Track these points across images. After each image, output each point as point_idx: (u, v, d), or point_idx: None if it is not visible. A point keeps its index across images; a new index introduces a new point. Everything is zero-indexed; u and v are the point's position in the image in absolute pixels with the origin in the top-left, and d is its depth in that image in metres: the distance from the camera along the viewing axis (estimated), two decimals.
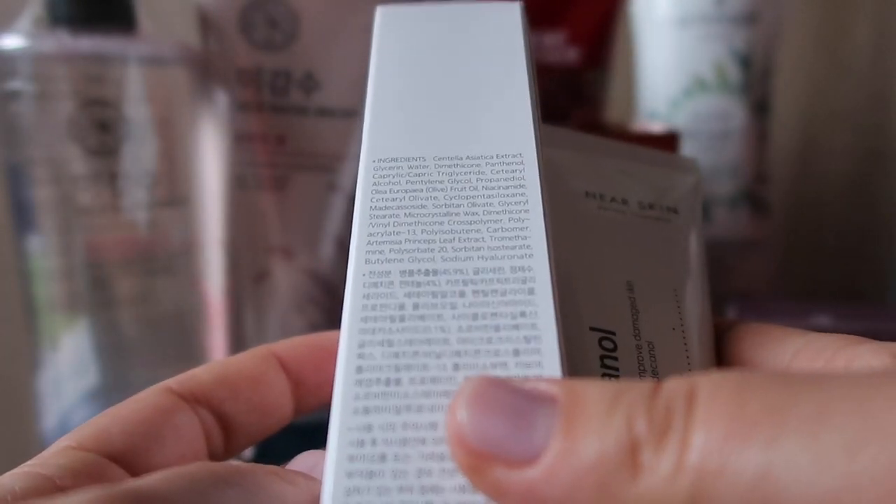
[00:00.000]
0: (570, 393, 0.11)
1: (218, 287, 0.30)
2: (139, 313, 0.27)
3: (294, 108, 0.28)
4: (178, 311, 0.28)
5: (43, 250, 0.26)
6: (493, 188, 0.15)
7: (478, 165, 0.15)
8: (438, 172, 0.15)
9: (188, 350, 0.29)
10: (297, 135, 0.28)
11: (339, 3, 0.27)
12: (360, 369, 0.12)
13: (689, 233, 0.20)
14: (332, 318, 0.29)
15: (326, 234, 0.28)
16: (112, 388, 0.27)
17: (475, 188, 0.15)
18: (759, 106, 0.39)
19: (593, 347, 0.16)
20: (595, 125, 0.35)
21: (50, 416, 0.27)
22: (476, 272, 0.13)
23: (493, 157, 0.15)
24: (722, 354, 0.18)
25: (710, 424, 0.10)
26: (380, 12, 0.19)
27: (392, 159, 0.15)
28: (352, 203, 0.28)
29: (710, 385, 0.11)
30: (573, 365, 0.15)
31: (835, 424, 0.10)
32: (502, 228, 0.14)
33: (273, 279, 0.29)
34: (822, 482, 0.09)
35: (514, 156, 0.15)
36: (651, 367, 0.16)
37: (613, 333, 0.16)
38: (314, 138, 0.28)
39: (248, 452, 0.30)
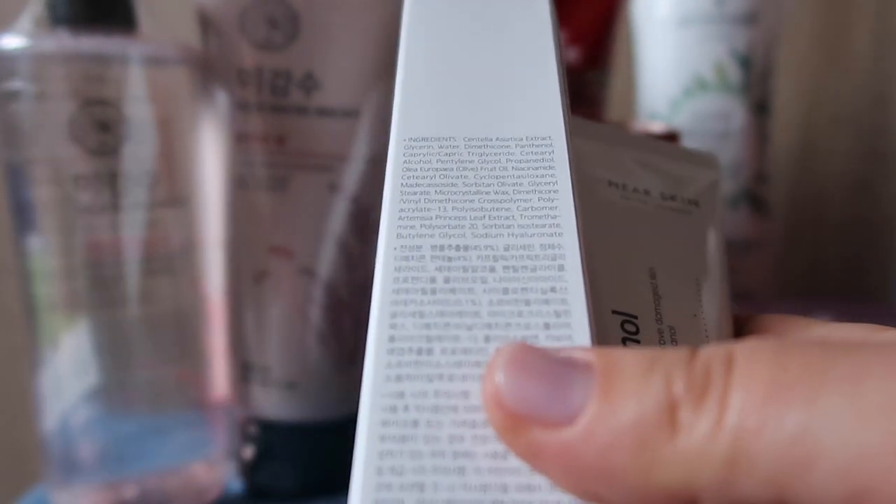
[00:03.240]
0: (606, 359, 0.11)
1: (218, 287, 0.30)
2: (139, 313, 0.27)
3: (294, 108, 0.28)
4: (178, 311, 0.28)
5: (43, 250, 0.26)
6: (523, 168, 0.15)
7: (507, 147, 0.15)
8: (469, 153, 0.15)
9: (188, 350, 0.29)
10: (297, 135, 0.28)
11: (339, 3, 0.27)
12: (392, 338, 0.13)
13: (710, 226, 0.20)
14: (332, 318, 0.29)
15: (326, 234, 0.28)
16: (112, 388, 0.27)
17: (505, 168, 0.15)
18: (760, 106, 0.39)
19: (615, 330, 0.16)
20: None
21: (50, 416, 0.27)
22: (506, 248, 0.14)
23: (522, 139, 0.15)
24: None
25: (748, 385, 0.10)
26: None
27: (423, 139, 0.16)
28: (353, 204, 0.28)
29: (748, 350, 0.11)
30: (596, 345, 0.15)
31: (874, 384, 0.10)
32: (532, 207, 0.14)
33: (273, 279, 0.29)
34: (862, 440, 0.09)
35: (543, 138, 0.15)
36: None
37: (636, 317, 0.17)
38: (314, 138, 0.28)
39: (248, 452, 0.30)
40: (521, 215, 0.14)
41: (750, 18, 0.38)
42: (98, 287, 0.26)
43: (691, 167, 0.21)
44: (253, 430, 0.30)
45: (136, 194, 0.26)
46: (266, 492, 0.30)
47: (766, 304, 0.34)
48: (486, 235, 0.14)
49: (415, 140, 0.15)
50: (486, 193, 0.14)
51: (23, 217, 0.26)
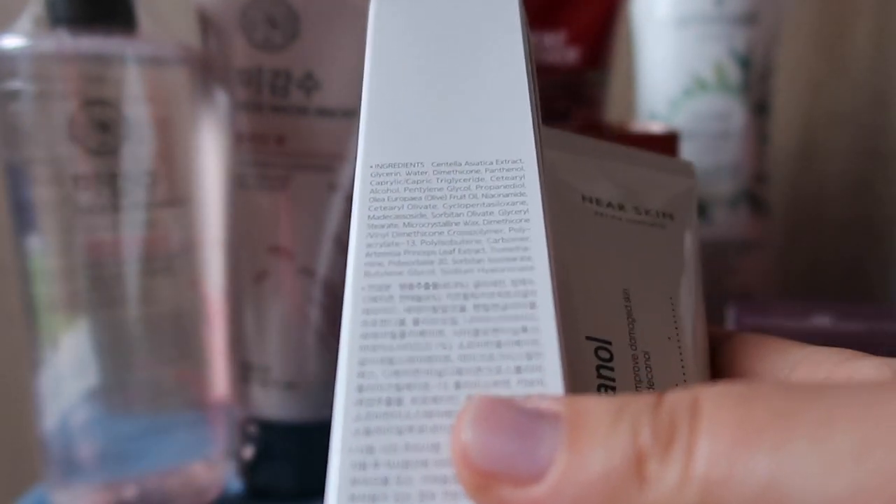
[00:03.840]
0: (572, 408, 0.11)
1: (218, 287, 0.30)
2: (139, 313, 0.27)
3: (294, 108, 0.28)
4: (177, 311, 0.28)
5: (43, 250, 0.26)
6: (493, 196, 0.14)
7: (477, 172, 0.15)
8: (437, 179, 0.15)
9: (188, 350, 0.29)
10: (297, 135, 0.28)
11: (339, 3, 0.27)
12: (361, 388, 0.12)
13: (685, 239, 0.19)
14: (332, 318, 0.29)
15: (326, 234, 0.28)
16: (112, 388, 0.27)
17: (475, 196, 0.14)
18: (759, 106, 0.39)
19: (589, 357, 0.16)
20: (595, 125, 0.35)
21: (50, 416, 0.27)
22: (476, 285, 0.13)
23: (492, 163, 0.15)
24: (719, 365, 0.18)
25: (715, 432, 0.10)
26: (374, 2, 0.18)
27: (390, 165, 0.15)
28: (350, 203, 0.28)
29: (714, 395, 0.11)
30: (571, 372, 0.15)
31: (842, 430, 0.10)
32: (503, 239, 0.14)
33: (273, 279, 0.29)
34: (831, 486, 0.09)
35: (513, 161, 0.15)
36: (647, 378, 0.16)
37: (609, 343, 0.16)
38: (314, 138, 0.28)
39: (248, 452, 0.30)
40: (492, 248, 0.14)
41: (749, 18, 0.38)
42: (98, 287, 0.26)
43: (666, 176, 0.21)
44: (253, 430, 0.30)
45: (136, 194, 0.26)
46: (266, 492, 0.30)
47: (765, 304, 0.34)
48: (456, 271, 0.13)
49: (381, 167, 0.15)
50: (456, 224, 0.14)
51: (23, 217, 0.26)
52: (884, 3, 0.46)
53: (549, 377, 0.12)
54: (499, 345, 0.13)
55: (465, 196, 0.14)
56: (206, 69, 0.28)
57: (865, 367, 0.14)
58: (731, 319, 0.32)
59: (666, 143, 0.32)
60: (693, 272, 0.19)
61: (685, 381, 0.17)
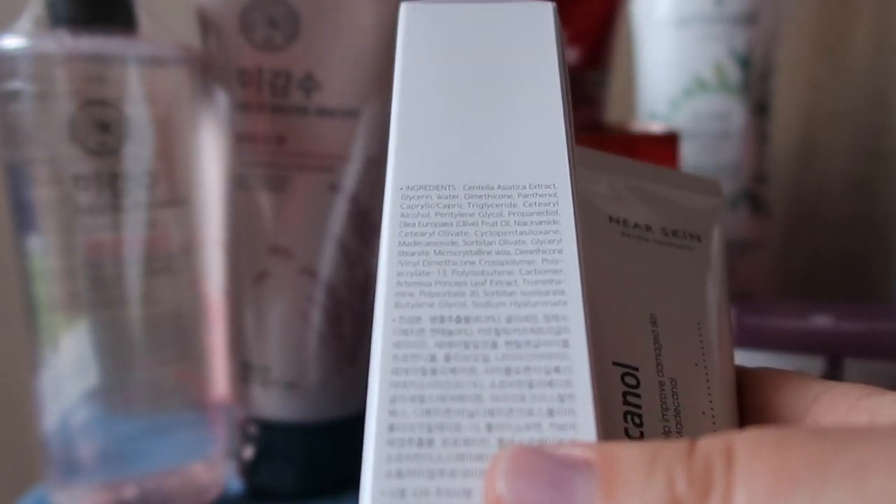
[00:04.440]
0: (605, 456, 0.11)
1: (218, 287, 0.30)
2: (139, 313, 0.27)
3: (294, 108, 0.28)
4: (177, 311, 0.28)
5: (43, 250, 0.26)
6: (526, 223, 0.14)
7: (510, 197, 0.15)
8: (469, 204, 0.14)
9: (188, 350, 0.29)
10: (297, 135, 0.28)
11: (339, 3, 0.27)
12: (392, 427, 0.12)
13: (712, 261, 0.19)
14: (332, 319, 0.29)
15: (326, 234, 0.28)
16: (112, 388, 0.27)
17: (507, 223, 0.14)
18: (759, 106, 0.39)
19: (616, 383, 0.16)
20: (595, 125, 0.35)
21: (50, 416, 0.27)
22: (508, 320, 0.13)
23: (525, 188, 0.15)
24: (739, 399, 0.17)
25: (750, 481, 0.10)
26: (405, 9, 0.18)
27: (420, 187, 0.15)
28: (352, 204, 0.29)
29: (748, 442, 0.11)
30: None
31: (877, 478, 0.10)
32: (535, 270, 0.14)
33: (273, 279, 0.29)
34: None
35: (546, 186, 0.15)
36: (674, 405, 0.16)
37: (636, 369, 0.16)
38: (314, 138, 0.28)
39: (248, 452, 0.30)
40: (524, 280, 0.13)
41: (749, 18, 0.38)
42: (98, 287, 0.26)
43: (693, 196, 0.20)
44: (253, 430, 0.30)
45: (136, 194, 0.26)
46: (266, 492, 0.30)
47: (765, 304, 0.34)
48: (487, 304, 0.13)
49: (412, 189, 0.15)
50: (488, 254, 0.14)
51: (23, 217, 0.26)
52: (884, 3, 0.46)
53: (581, 421, 0.12)
54: (531, 385, 0.12)
55: (496, 223, 0.14)
56: (206, 69, 0.28)
57: (888, 405, 0.14)
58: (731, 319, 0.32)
59: (666, 144, 0.32)
60: (720, 296, 0.19)
61: (712, 409, 0.16)
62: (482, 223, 0.14)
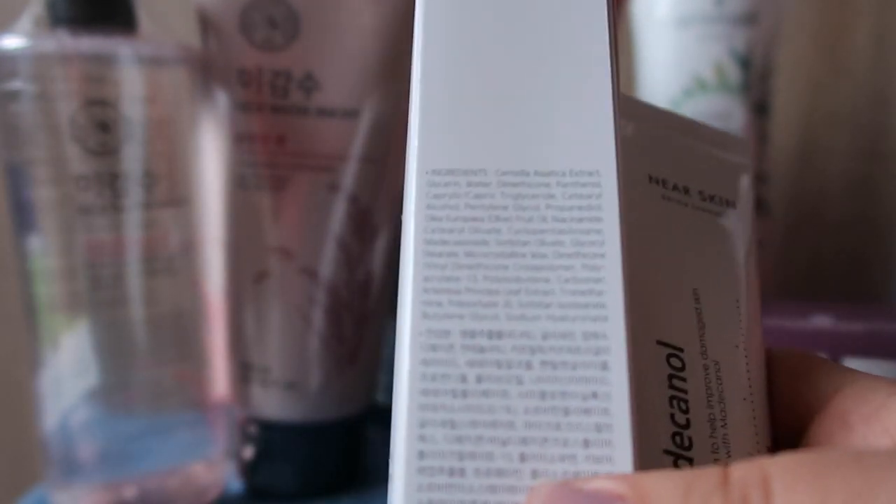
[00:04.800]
0: (638, 489, 0.11)
1: (218, 287, 0.30)
2: (139, 313, 0.27)
3: (294, 108, 0.28)
4: (178, 311, 0.28)
5: (43, 250, 0.26)
6: (565, 220, 0.13)
7: (547, 186, 0.13)
8: (502, 194, 0.13)
9: (188, 350, 0.29)
10: (297, 135, 0.28)
11: (339, 3, 0.27)
12: (422, 455, 0.12)
13: (746, 233, 0.18)
14: (332, 319, 0.29)
15: (326, 235, 0.28)
16: (112, 388, 0.27)
17: (544, 219, 0.13)
18: (759, 106, 0.39)
19: (661, 365, 0.15)
20: None
21: (50, 416, 0.27)
22: (544, 337, 0.12)
23: (565, 174, 0.13)
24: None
25: None
26: None
27: (448, 171, 0.13)
28: (352, 204, 0.29)
29: (784, 472, 0.10)
30: (641, 380, 0.14)
31: None
32: (574, 278, 0.12)
33: (273, 279, 0.29)
34: None
35: (589, 174, 0.13)
36: (718, 392, 0.15)
37: (682, 350, 0.15)
38: (314, 138, 0.28)
39: (248, 452, 0.30)
40: (562, 289, 0.12)
41: (749, 18, 0.38)
42: (98, 287, 0.26)
43: (726, 155, 0.19)
44: (253, 430, 0.30)
45: (136, 194, 0.26)
46: (266, 492, 0.30)
47: (765, 304, 0.34)
48: (521, 318, 0.12)
49: (439, 174, 0.13)
50: (522, 256, 0.12)
51: (23, 217, 0.26)
52: (884, 3, 0.46)
53: (618, 454, 0.11)
54: (566, 412, 0.12)
55: (532, 218, 0.13)
56: (206, 69, 0.28)
57: None
58: None
59: None
60: (754, 270, 0.17)
61: (752, 395, 0.16)
62: (517, 218, 0.13)
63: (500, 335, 0.12)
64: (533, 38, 0.14)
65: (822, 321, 0.30)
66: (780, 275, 0.45)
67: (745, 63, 0.38)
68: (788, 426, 0.16)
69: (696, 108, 0.39)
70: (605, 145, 0.13)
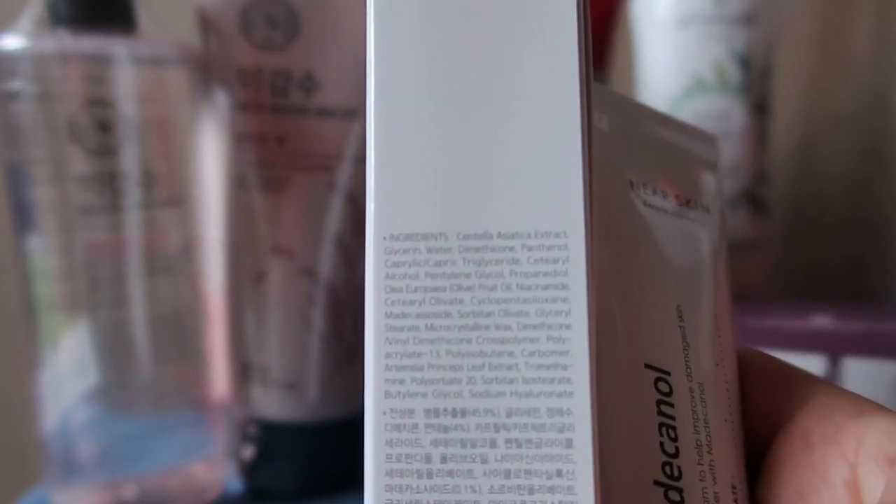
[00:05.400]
0: None
1: (218, 287, 0.30)
2: (139, 313, 0.27)
3: (294, 108, 0.28)
4: (177, 311, 0.28)
5: (43, 250, 0.26)
6: (530, 287, 0.12)
7: (512, 249, 0.12)
8: (464, 261, 0.12)
9: (188, 350, 0.29)
10: (297, 135, 0.28)
11: (339, 3, 0.27)
12: None
13: (720, 237, 0.17)
14: (332, 319, 0.29)
15: (326, 235, 0.28)
16: (112, 388, 0.27)
17: (508, 287, 0.12)
18: (759, 106, 0.39)
19: (650, 391, 0.14)
20: None
21: (50, 416, 0.27)
22: (509, 414, 0.12)
23: (530, 236, 0.12)
24: None
25: None
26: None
27: (407, 236, 0.13)
28: (352, 204, 0.28)
29: None
30: (630, 407, 0.14)
31: None
32: (539, 352, 0.12)
33: (273, 279, 0.29)
34: None
35: (556, 235, 0.12)
36: (703, 416, 0.15)
37: (669, 374, 0.14)
38: (314, 138, 0.28)
39: (248, 452, 0.30)
40: (526, 364, 0.12)
41: (749, 18, 0.38)
42: (98, 287, 0.26)
43: (698, 150, 0.18)
44: (253, 430, 0.30)
45: (136, 194, 0.26)
46: (266, 492, 0.30)
47: (765, 304, 0.34)
48: (486, 394, 0.12)
49: (397, 239, 0.13)
50: (486, 328, 0.12)
51: (23, 217, 0.26)
52: (884, 3, 0.46)
53: None
54: (531, 490, 0.12)
55: (496, 287, 0.12)
56: (206, 69, 0.28)
57: (875, 433, 0.13)
58: None
59: None
60: (723, 273, 0.17)
61: (731, 416, 0.15)
62: (480, 287, 0.12)
63: (464, 413, 0.12)
64: (495, 88, 0.13)
65: (821, 321, 0.31)
66: (780, 275, 0.45)
67: (745, 63, 0.38)
68: (755, 436, 0.16)
69: (696, 109, 0.39)
70: (573, 203, 0.12)
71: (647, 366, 0.14)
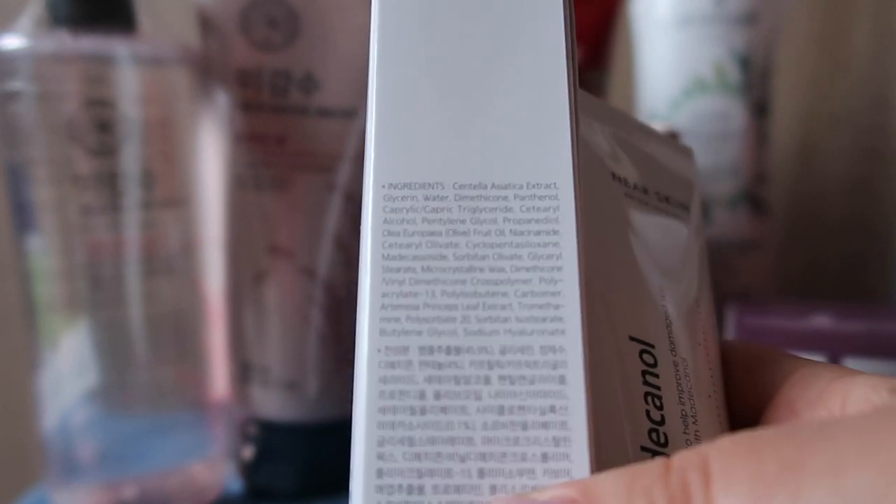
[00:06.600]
0: (586, 492, 0.11)
1: (218, 287, 0.30)
2: (139, 313, 0.27)
3: (294, 108, 0.28)
4: (177, 311, 0.28)
5: (43, 250, 0.26)
6: (522, 233, 0.13)
7: (505, 199, 0.13)
8: (459, 208, 0.13)
9: (188, 350, 0.29)
10: (297, 135, 0.28)
11: (339, 4, 0.27)
12: (380, 473, 0.12)
13: (698, 233, 0.18)
14: (332, 318, 0.29)
15: (326, 234, 0.28)
16: (112, 388, 0.27)
17: (502, 233, 0.13)
18: (759, 107, 0.39)
19: (634, 361, 0.15)
20: None
21: (50, 416, 0.27)
22: (502, 351, 0.12)
23: (522, 187, 0.13)
24: None
25: (729, 492, 0.10)
26: None
27: (405, 185, 0.13)
28: (352, 203, 0.28)
29: (721, 452, 0.11)
30: (616, 377, 0.14)
31: (853, 475, 0.10)
32: (532, 292, 0.12)
33: (273, 279, 0.29)
34: None
35: (546, 186, 0.13)
36: (687, 388, 0.15)
37: (653, 346, 0.15)
38: (314, 138, 0.28)
39: (248, 452, 0.30)
40: (520, 304, 0.12)
41: (749, 19, 0.38)
42: (98, 287, 0.26)
43: (675, 161, 0.19)
44: (253, 430, 0.30)
45: (135, 194, 0.26)
46: (265, 492, 0.30)
47: (765, 304, 0.34)
48: (479, 332, 0.12)
49: (396, 188, 0.13)
50: (480, 270, 0.13)
51: (23, 217, 0.26)
52: (884, 3, 0.46)
53: (576, 467, 0.12)
54: (525, 426, 0.12)
55: (490, 232, 0.13)
56: (206, 69, 0.28)
57: (860, 387, 0.14)
58: (731, 319, 0.32)
59: None
60: (707, 272, 0.18)
61: (714, 391, 0.16)
62: (474, 232, 0.13)
63: (458, 351, 0.12)
64: (490, 50, 0.14)
65: (821, 321, 0.31)
66: (780, 275, 0.45)
67: (745, 63, 0.38)
68: (744, 420, 0.16)
69: (696, 108, 0.39)
70: (563, 157, 0.13)
71: (631, 338, 0.15)
